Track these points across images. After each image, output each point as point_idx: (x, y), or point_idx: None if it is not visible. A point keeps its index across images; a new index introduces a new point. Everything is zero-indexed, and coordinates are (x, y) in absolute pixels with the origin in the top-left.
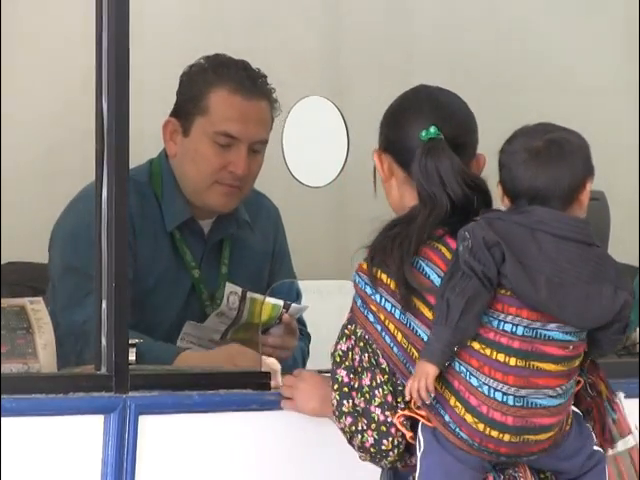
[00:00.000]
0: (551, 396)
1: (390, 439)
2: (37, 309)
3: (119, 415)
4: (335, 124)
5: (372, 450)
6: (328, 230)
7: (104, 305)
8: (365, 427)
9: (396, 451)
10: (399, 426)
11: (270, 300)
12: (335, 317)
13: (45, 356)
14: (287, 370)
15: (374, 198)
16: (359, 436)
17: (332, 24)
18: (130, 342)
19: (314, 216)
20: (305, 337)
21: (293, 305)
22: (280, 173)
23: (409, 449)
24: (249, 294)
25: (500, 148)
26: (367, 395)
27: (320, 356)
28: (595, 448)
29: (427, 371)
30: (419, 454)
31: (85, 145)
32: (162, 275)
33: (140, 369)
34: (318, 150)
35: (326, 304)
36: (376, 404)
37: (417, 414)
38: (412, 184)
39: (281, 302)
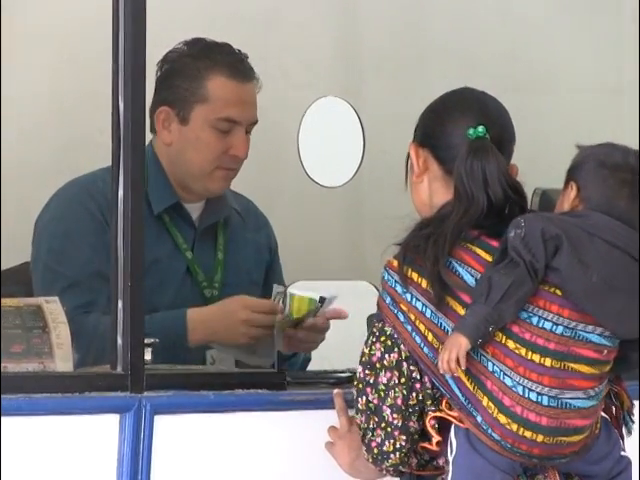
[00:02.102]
0: (585, 398)
1: (392, 441)
2: (53, 308)
3: (135, 415)
4: (351, 124)
5: (375, 451)
6: (342, 230)
7: (120, 304)
8: (375, 425)
9: (397, 454)
10: (429, 429)
11: (307, 294)
12: (350, 317)
13: (61, 355)
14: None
15: (393, 197)
16: (369, 434)
17: (347, 24)
18: (146, 342)
19: (329, 216)
20: None
21: (327, 298)
22: (296, 173)
23: (417, 454)
24: (288, 290)
25: (593, 152)
26: (382, 393)
27: (334, 356)
28: (622, 454)
29: (460, 342)
30: (451, 457)
31: (101, 143)
32: (155, 258)
33: (155, 369)
34: (334, 150)
35: (341, 305)
36: (388, 404)
37: (449, 415)
38: (445, 181)
39: (317, 296)
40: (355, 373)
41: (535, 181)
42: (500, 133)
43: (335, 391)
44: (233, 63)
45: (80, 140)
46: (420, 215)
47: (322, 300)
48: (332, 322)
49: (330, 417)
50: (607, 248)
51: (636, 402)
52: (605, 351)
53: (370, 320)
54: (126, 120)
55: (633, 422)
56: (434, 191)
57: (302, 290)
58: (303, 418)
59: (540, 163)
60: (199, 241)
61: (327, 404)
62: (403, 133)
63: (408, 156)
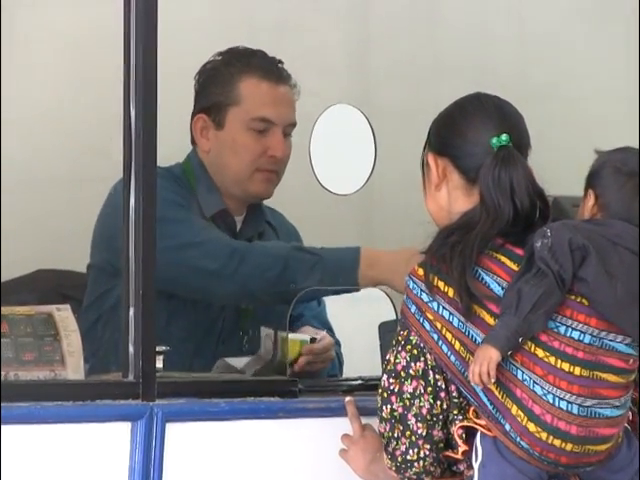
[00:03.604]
0: (613, 407)
1: (416, 450)
2: (64, 316)
3: (146, 423)
4: (362, 132)
5: (399, 459)
6: (353, 237)
7: (131, 312)
8: (400, 434)
9: (421, 463)
10: (457, 438)
11: (297, 337)
12: (362, 324)
13: (72, 363)
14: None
15: (404, 204)
16: (394, 442)
17: (358, 31)
18: (158, 350)
19: (340, 224)
20: (336, 343)
21: (317, 338)
22: (307, 181)
23: (440, 463)
24: (279, 333)
25: (609, 158)
26: (407, 402)
27: (346, 363)
28: None
29: (490, 355)
30: (476, 464)
31: (113, 151)
32: None
33: (167, 377)
34: (345, 158)
35: (353, 312)
36: (413, 413)
37: (476, 424)
38: (466, 189)
39: (307, 337)
40: (365, 380)
41: (546, 188)
42: (519, 139)
43: (347, 398)
44: (266, 66)
45: (91, 148)
46: (436, 222)
47: (313, 340)
48: (343, 330)
49: (342, 424)
50: (630, 257)
51: None
52: (631, 360)
53: (382, 327)
54: (137, 127)
55: None
56: (454, 199)
57: (291, 334)
58: (315, 426)
59: (551, 170)
60: None
61: (339, 411)
62: (415, 140)
63: (423, 163)
